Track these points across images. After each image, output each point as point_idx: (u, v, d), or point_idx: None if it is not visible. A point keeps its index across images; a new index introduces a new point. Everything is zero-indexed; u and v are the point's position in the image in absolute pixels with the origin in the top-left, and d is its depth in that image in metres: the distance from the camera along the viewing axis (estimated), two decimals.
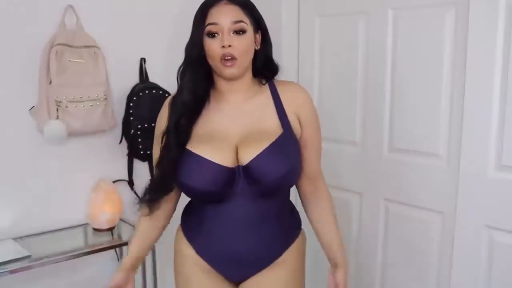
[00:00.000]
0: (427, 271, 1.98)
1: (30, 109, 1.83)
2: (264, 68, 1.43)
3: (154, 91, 2.03)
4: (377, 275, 2.17)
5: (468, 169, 1.77)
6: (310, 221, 1.52)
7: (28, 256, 1.69)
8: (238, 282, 1.46)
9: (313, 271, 1.89)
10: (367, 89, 2.10)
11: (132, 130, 2.00)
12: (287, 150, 1.36)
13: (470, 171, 1.76)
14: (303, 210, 1.54)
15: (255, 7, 1.39)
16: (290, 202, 1.52)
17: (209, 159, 1.31)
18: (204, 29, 1.32)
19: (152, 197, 1.38)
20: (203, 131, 1.37)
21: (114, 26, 1.98)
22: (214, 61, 1.33)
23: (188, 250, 1.45)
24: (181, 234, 1.49)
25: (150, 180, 1.42)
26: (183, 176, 1.34)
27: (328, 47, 2.23)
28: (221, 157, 1.32)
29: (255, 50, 1.39)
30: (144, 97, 2.01)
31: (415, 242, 2.00)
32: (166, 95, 2.06)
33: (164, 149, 1.36)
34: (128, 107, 2.01)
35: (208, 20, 1.32)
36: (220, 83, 1.39)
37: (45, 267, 1.73)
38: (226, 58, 1.30)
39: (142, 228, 1.46)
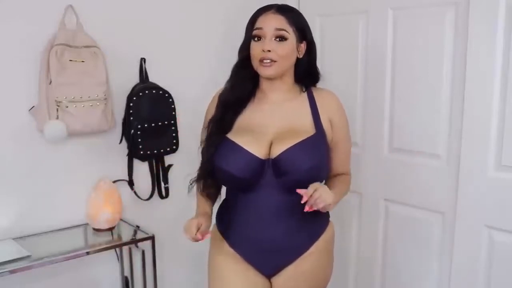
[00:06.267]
0: (427, 271, 1.98)
1: (30, 109, 1.83)
2: (305, 75, 1.58)
3: (154, 91, 2.03)
4: (377, 275, 2.17)
5: (468, 169, 1.77)
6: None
7: (28, 256, 1.69)
8: (269, 276, 1.56)
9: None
10: (367, 89, 2.10)
11: (132, 130, 2.00)
12: (315, 148, 1.49)
13: (470, 171, 1.76)
14: None
15: (302, 20, 1.55)
16: None
17: (244, 147, 1.47)
18: (251, 33, 1.50)
19: (199, 178, 1.56)
20: (244, 124, 1.54)
21: (114, 26, 1.97)
22: (254, 62, 1.50)
23: (222, 245, 1.57)
24: (215, 231, 1.62)
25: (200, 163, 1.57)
26: (219, 160, 1.49)
27: (328, 46, 2.23)
28: (256, 148, 1.47)
29: (298, 58, 1.54)
30: (144, 97, 2.00)
31: (415, 242, 2.00)
32: (166, 95, 2.06)
33: (208, 137, 1.54)
34: (128, 107, 2.01)
35: (256, 25, 1.50)
36: (263, 83, 1.56)
37: (45, 267, 1.73)
38: (265, 60, 1.46)
39: (200, 200, 1.62)
